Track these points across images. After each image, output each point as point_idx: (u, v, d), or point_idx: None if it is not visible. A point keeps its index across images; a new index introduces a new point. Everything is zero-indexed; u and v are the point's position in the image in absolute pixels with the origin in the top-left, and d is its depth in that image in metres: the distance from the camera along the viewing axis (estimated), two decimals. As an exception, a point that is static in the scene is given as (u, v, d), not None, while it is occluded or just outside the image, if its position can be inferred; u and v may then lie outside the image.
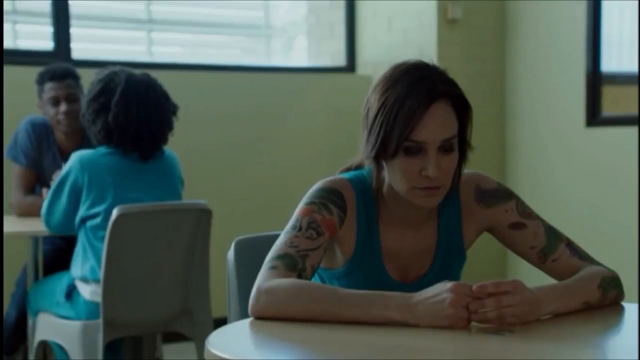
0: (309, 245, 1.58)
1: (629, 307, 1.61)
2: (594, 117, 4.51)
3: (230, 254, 1.82)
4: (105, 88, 2.88)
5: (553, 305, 1.52)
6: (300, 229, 1.60)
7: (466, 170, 1.71)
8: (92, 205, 2.84)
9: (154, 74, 4.43)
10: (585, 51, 4.54)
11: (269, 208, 4.68)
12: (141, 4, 4.60)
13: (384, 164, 1.63)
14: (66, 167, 2.89)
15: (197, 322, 2.99)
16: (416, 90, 1.57)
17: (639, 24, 4.20)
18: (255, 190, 4.66)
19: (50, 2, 4.23)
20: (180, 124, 4.41)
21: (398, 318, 1.43)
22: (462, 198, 1.73)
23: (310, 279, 1.58)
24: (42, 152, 3.40)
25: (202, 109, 4.51)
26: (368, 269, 1.68)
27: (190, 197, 4.17)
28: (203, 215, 2.93)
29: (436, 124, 1.57)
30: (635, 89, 4.30)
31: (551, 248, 1.69)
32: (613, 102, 4.50)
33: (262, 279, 1.54)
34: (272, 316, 1.49)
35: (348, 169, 1.75)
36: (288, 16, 5.28)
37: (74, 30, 4.27)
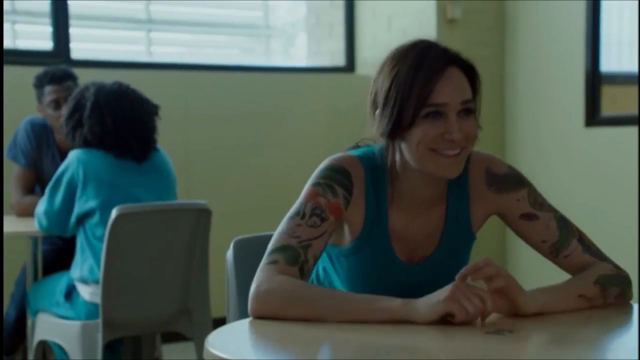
0: (312, 234, 1.56)
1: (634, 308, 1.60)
2: (593, 117, 4.50)
3: (229, 253, 1.82)
4: (77, 105, 2.94)
5: (545, 296, 1.52)
6: (303, 215, 1.58)
7: (475, 150, 1.67)
8: (87, 201, 2.85)
9: (153, 74, 4.46)
10: (584, 51, 4.54)
11: (268, 207, 4.67)
12: (140, 3, 4.59)
13: (399, 142, 1.59)
14: (64, 164, 2.90)
15: (196, 322, 2.99)
16: (429, 56, 1.57)
17: (639, 23, 4.19)
18: (254, 189, 4.66)
19: (49, 2, 4.22)
20: (179, 124, 4.42)
21: (399, 309, 1.42)
22: (472, 179, 1.69)
23: (311, 270, 1.57)
24: (42, 153, 3.40)
25: (202, 108, 4.51)
26: (375, 248, 1.65)
27: (189, 196, 4.17)
28: (202, 215, 2.93)
29: (454, 85, 1.56)
30: (634, 89, 4.30)
31: (563, 243, 1.67)
32: (612, 102, 4.50)
33: (262, 276, 1.52)
34: (271, 317, 1.48)
35: (356, 146, 1.72)
36: (287, 16, 5.27)
37: (73, 30, 4.27)
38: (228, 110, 4.59)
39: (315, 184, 1.62)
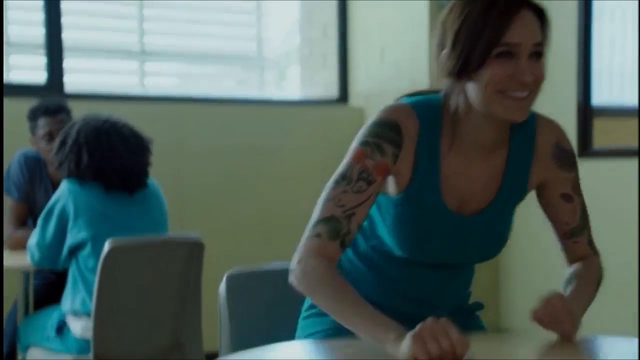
0: (357, 201, 1.58)
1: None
2: (585, 149, 4.52)
3: (222, 287, 1.81)
4: (64, 139, 2.97)
5: (579, 317, 1.57)
6: (350, 181, 1.59)
7: (542, 114, 1.71)
8: (79, 232, 2.84)
9: (147, 106, 4.47)
10: (576, 83, 4.56)
11: (262, 240, 4.66)
12: (134, 35, 4.61)
13: (464, 83, 1.58)
14: (55, 195, 2.91)
15: (188, 357, 2.97)
16: None
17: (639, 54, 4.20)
18: (248, 222, 4.65)
19: (43, 34, 4.23)
20: (172, 156, 4.42)
21: (387, 345, 1.40)
22: (540, 141, 1.70)
23: (353, 238, 1.59)
24: (35, 186, 3.39)
25: (195, 140, 4.51)
26: (425, 199, 1.63)
27: (182, 229, 4.16)
28: (195, 249, 2.92)
29: (528, 27, 1.55)
30: (626, 121, 4.32)
31: (579, 231, 1.75)
32: (603, 134, 4.52)
33: (304, 251, 1.56)
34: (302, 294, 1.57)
35: (412, 95, 1.69)
36: (281, 47, 5.30)
37: (67, 62, 4.28)
38: (221, 142, 4.60)
39: (363, 143, 1.60)
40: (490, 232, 1.67)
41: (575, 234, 1.75)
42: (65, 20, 4.27)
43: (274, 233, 4.68)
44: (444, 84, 1.64)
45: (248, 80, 5.16)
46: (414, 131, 1.61)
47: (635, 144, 4.22)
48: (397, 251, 1.66)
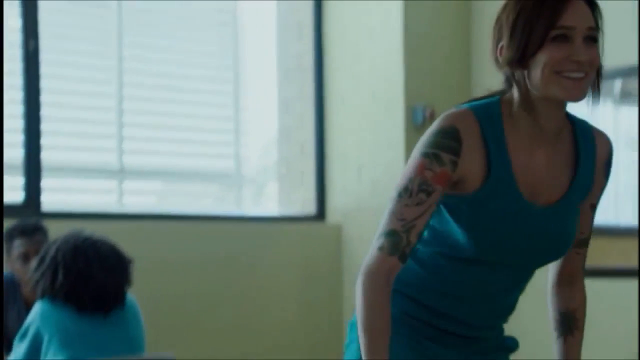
0: (417, 213, 1.67)
1: None
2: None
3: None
4: (42, 258, 2.95)
5: None
6: (411, 194, 1.68)
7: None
8: (55, 354, 2.79)
9: (125, 224, 4.45)
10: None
11: (239, 356, 4.59)
12: (113, 154, 4.63)
13: (522, 72, 1.68)
14: (30, 315, 2.87)
15: None
16: None
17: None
18: (225, 340, 4.58)
19: (22, 155, 4.24)
20: (150, 273, 4.38)
21: None
22: (598, 147, 1.80)
23: (414, 246, 1.69)
24: (7, 308, 3.34)
25: (173, 258, 4.49)
26: (502, 191, 1.71)
27: (158, 347, 4.09)
28: (172, 370, 2.87)
29: (581, 11, 1.66)
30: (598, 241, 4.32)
31: (586, 243, 1.86)
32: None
33: (369, 261, 1.69)
34: None
35: (470, 101, 1.79)
36: (259, 165, 5.34)
37: (44, 182, 4.28)
38: (199, 260, 4.57)
39: (423, 154, 1.69)
40: (561, 226, 1.74)
41: (582, 245, 1.85)
42: (44, 141, 4.30)
43: (251, 348, 4.62)
44: (501, 79, 1.75)
45: (226, 197, 5.18)
46: (476, 130, 1.70)
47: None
48: (472, 251, 1.72)
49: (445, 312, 1.79)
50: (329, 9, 5.10)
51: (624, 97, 4.35)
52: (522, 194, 1.72)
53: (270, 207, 5.33)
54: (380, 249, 1.69)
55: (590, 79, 1.69)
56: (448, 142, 1.69)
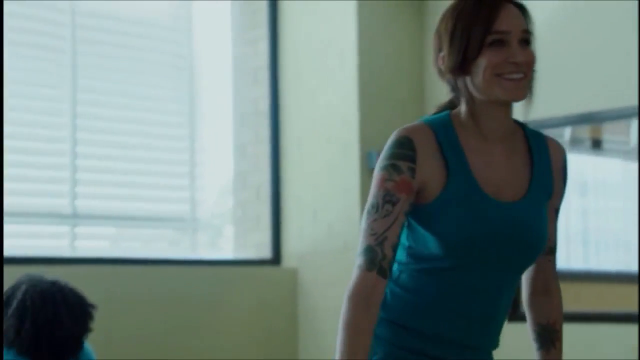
0: (387, 224, 1.73)
1: None
2: (514, 311, 4.55)
3: None
4: (7, 300, 2.87)
5: None
6: (377, 208, 1.74)
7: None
8: None
9: (77, 269, 4.40)
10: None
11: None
12: (65, 198, 4.59)
13: (464, 78, 1.77)
14: None
15: None
16: None
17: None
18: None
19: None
20: (103, 318, 4.32)
21: None
22: (551, 152, 1.87)
23: (392, 260, 1.74)
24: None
25: (126, 302, 4.44)
26: (464, 190, 1.76)
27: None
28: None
29: (514, 16, 1.77)
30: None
31: (555, 250, 1.92)
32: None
33: (352, 280, 1.74)
34: None
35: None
36: (214, 209, 5.33)
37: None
38: (154, 304, 4.53)
39: (382, 168, 1.77)
40: (531, 219, 1.79)
41: (552, 252, 1.90)
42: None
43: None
44: (446, 88, 1.85)
45: (181, 241, 5.15)
46: (431, 138, 1.78)
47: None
48: (449, 255, 1.76)
49: (436, 332, 1.81)
50: (285, 53, 5.14)
51: (574, 143, 4.43)
52: (484, 191, 1.78)
53: (225, 251, 5.31)
54: (359, 266, 1.74)
55: (529, 79, 1.78)
56: (403, 151, 1.76)
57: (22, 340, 2.81)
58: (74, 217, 4.62)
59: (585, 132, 4.40)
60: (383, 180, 1.75)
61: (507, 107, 1.81)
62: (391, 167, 1.75)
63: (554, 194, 1.87)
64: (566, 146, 4.38)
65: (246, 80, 5.23)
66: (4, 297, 2.88)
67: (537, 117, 4.16)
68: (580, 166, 4.41)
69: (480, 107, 1.79)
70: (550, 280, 1.93)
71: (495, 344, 1.90)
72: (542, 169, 1.84)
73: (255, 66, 5.20)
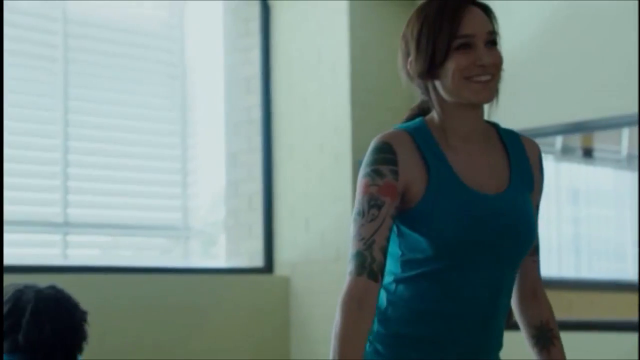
0: (374, 228, 1.74)
1: None
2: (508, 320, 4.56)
3: None
4: (13, 308, 2.81)
5: None
6: (363, 214, 1.76)
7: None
8: None
9: (69, 277, 4.39)
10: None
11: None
12: (57, 207, 4.59)
13: (433, 83, 1.80)
14: None
15: None
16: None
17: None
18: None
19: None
20: (95, 327, 4.32)
21: None
22: (527, 149, 1.88)
23: (383, 263, 1.74)
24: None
25: (118, 311, 4.43)
26: (446, 187, 1.77)
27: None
28: None
29: (479, 18, 1.78)
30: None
31: (538, 250, 1.91)
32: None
33: (345, 285, 1.74)
34: None
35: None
36: (206, 217, 5.33)
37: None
38: (146, 312, 4.52)
39: (365, 175, 1.79)
40: (518, 209, 1.80)
41: (536, 251, 1.90)
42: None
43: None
44: (418, 94, 1.88)
45: (173, 250, 5.15)
46: (409, 141, 1.81)
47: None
48: (442, 253, 1.77)
49: (438, 335, 1.80)
50: (277, 62, 5.15)
51: (565, 152, 4.44)
52: (467, 185, 1.79)
53: (218, 259, 5.31)
54: (350, 273, 1.75)
55: (497, 80, 1.80)
56: (383, 155, 1.78)
57: (41, 344, 2.78)
58: (66, 226, 4.61)
59: (576, 141, 4.41)
60: (367, 186, 1.77)
61: (477, 108, 1.83)
62: (373, 172, 1.77)
63: (535, 187, 1.88)
64: (557, 155, 4.46)
65: (239, 88, 5.24)
66: (6, 307, 2.85)
67: (528, 126, 4.18)
68: (571, 175, 4.43)
69: (451, 109, 1.82)
70: (537, 284, 1.93)
71: (499, 344, 1.90)
72: (519, 162, 1.86)
73: (248, 75, 5.21)
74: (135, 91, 4.92)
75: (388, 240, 1.76)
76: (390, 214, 1.76)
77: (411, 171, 1.78)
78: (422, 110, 1.91)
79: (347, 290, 1.74)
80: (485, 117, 1.89)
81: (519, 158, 1.86)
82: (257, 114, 5.15)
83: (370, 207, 1.75)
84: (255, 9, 5.18)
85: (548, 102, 4.40)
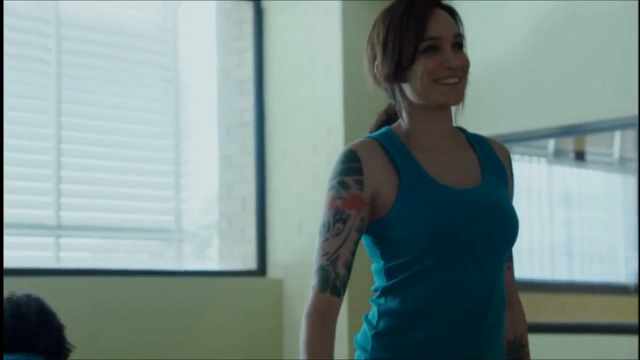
0: (339, 243, 1.74)
1: None
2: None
3: None
4: (17, 312, 2.80)
5: None
6: (329, 227, 1.75)
7: None
8: None
9: (62, 280, 4.39)
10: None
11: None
12: (50, 210, 4.58)
13: (400, 86, 1.80)
14: None
15: None
16: (418, 1, 1.78)
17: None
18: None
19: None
20: (88, 330, 4.32)
21: None
22: (497, 153, 1.88)
23: (346, 277, 1.75)
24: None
25: (111, 314, 4.43)
26: (418, 185, 1.76)
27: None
28: None
29: (445, 21, 1.78)
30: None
31: (512, 256, 1.90)
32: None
33: (308, 300, 1.75)
34: None
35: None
36: (199, 220, 5.32)
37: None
38: (139, 316, 4.52)
39: (330, 188, 1.78)
40: (496, 200, 1.79)
41: (510, 257, 1.89)
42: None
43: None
44: (385, 98, 1.87)
45: (165, 253, 5.14)
46: (376, 147, 1.79)
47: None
48: (429, 252, 1.74)
49: (440, 338, 1.76)
50: (270, 64, 5.15)
51: (558, 155, 4.46)
52: (439, 181, 1.78)
53: (211, 262, 5.30)
54: (313, 287, 1.76)
55: (465, 82, 1.79)
56: (347, 165, 1.77)
57: (52, 346, 2.78)
58: (59, 228, 4.61)
59: (568, 144, 4.42)
60: (332, 199, 1.76)
61: (445, 110, 1.82)
62: (338, 184, 1.76)
63: (508, 183, 1.87)
64: (550, 158, 4.47)
65: (232, 91, 5.24)
66: (10, 309, 2.84)
67: (521, 129, 4.19)
68: (564, 178, 4.44)
69: (419, 111, 1.81)
70: (512, 292, 1.90)
71: (499, 344, 1.85)
72: (490, 160, 1.86)
73: (241, 77, 5.21)
74: (128, 94, 4.92)
75: (353, 253, 1.76)
76: (356, 227, 1.75)
77: (380, 176, 1.77)
78: (389, 115, 1.92)
79: (310, 305, 1.76)
80: (453, 121, 1.88)
81: (489, 157, 1.86)
82: (250, 116, 5.16)
83: (336, 222, 1.75)
84: (248, 12, 5.18)
85: (540, 105, 4.41)
